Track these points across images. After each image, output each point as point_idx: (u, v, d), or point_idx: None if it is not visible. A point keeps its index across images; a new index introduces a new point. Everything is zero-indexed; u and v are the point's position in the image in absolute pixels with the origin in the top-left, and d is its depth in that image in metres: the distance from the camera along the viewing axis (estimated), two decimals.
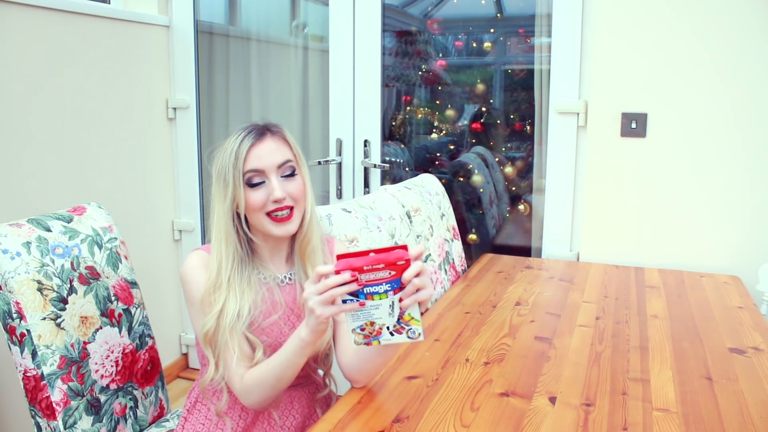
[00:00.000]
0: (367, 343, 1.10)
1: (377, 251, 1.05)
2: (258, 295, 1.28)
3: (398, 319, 1.07)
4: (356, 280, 1.05)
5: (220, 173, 1.25)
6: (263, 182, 1.24)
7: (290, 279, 1.33)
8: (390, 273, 1.04)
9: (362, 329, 1.09)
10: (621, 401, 1.22)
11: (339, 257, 1.05)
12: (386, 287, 1.05)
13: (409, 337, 1.09)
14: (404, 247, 1.05)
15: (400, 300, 1.06)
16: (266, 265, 1.32)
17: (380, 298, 1.06)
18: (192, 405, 1.37)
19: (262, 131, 1.27)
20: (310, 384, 1.39)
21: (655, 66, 2.11)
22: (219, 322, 1.22)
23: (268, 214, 1.24)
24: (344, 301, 1.07)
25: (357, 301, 1.06)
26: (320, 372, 1.41)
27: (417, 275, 1.05)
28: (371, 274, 1.04)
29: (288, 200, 1.24)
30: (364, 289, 1.05)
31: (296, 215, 1.27)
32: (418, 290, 1.06)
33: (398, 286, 1.05)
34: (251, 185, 1.24)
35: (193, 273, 1.27)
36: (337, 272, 1.04)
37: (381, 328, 1.09)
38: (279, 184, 1.24)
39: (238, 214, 1.26)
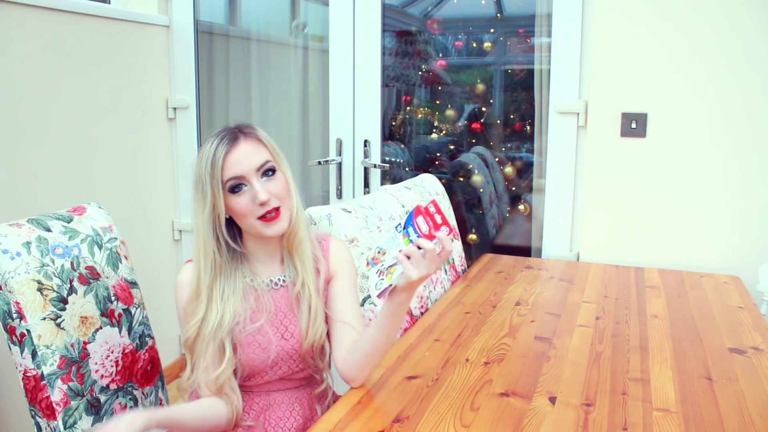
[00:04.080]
0: (367, 263, 1.18)
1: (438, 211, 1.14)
2: (246, 301, 1.28)
3: (390, 266, 1.14)
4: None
5: (198, 184, 1.24)
6: (245, 187, 1.23)
7: (284, 281, 1.33)
8: (429, 226, 1.11)
9: (379, 252, 1.17)
10: (621, 401, 1.22)
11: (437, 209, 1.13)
12: (399, 226, 1.14)
13: (376, 286, 1.15)
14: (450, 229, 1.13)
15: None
16: (256, 269, 1.32)
17: (403, 239, 1.14)
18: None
19: (234, 135, 1.24)
20: (313, 384, 1.39)
21: (655, 66, 2.11)
22: (200, 330, 1.24)
23: (259, 218, 1.24)
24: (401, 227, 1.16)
25: (404, 227, 1.15)
26: (319, 367, 1.40)
27: (424, 253, 1.09)
28: (429, 219, 1.12)
29: (273, 200, 1.24)
30: (417, 224, 1.13)
31: (284, 213, 1.26)
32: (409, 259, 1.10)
33: (417, 236, 1.11)
34: (233, 192, 1.23)
35: (182, 288, 1.30)
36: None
37: (379, 262, 1.16)
38: (261, 186, 1.23)
39: (221, 222, 1.25)
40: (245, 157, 1.23)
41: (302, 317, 1.30)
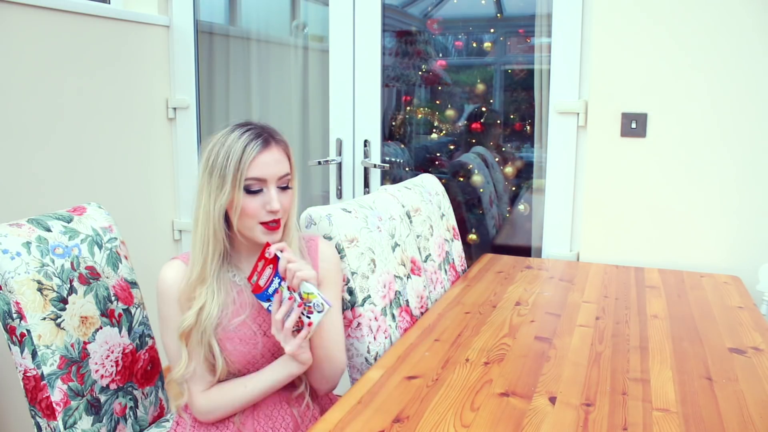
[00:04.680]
0: (306, 335, 1.22)
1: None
2: (228, 296, 1.29)
3: (300, 299, 1.19)
4: (291, 299, 1.21)
5: (217, 169, 1.23)
6: (261, 190, 1.24)
7: None
8: (271, 267, 1.19)
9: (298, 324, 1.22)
10: (621, 401, 1.22)
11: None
12: (278, 280, 1.20)
13: (318, 311, 1.20)
14: (267, 244, 1.22)
15: (289, 288, 1.20)
16: (241, 266, 1.32)
17: (282, 290, 1.20)
18: (186, 407, 1.37)
19: (267, 138, 1.26)
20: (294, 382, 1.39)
21: (655, 66, 2.11)
22: (198, 319, 1.24)
23: (261, 222, 1.25)
24: (268, 309, 1.24)
25: (269, 304, 1.23)
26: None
27: (289, 262, 1.19)
28: (263, 277, 1.20)
29: (281, 212, 1.26)
30: (268, 291, 1.19)
31: (282, 224, 1.29)
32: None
33: (278, 276, 1.20)
34: (249, 192, 1.24)
35: (169, 285, 1.28)
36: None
37: (299, 316, 1.22)
38: (276, 195, 1.25)
39: (226, 213, 1.26)
40: (274, 164, 1.25)
41: None
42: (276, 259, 1.20)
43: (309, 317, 1.20)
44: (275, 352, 1.31)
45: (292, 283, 1.19)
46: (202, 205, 1.25)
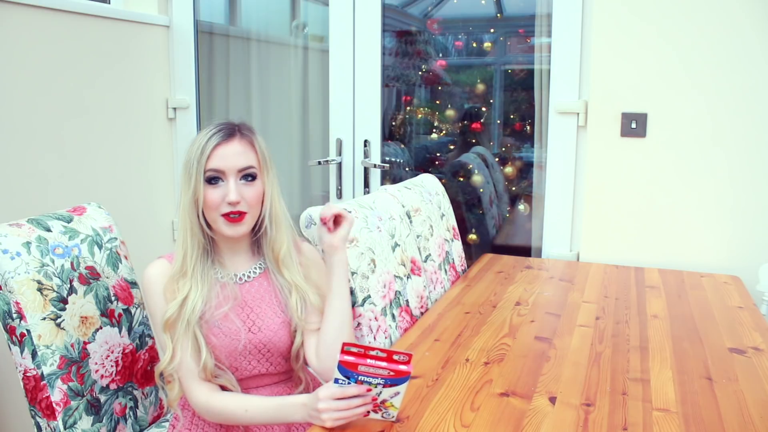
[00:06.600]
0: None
1: (384, 357, 1.05)
2: (212, 291, 1.29)
3: (380, 401, 1.10)
4: (369, 390, 1.07)
5: (186, 165, 1.27)
6: (222, 182, 1.26)
7: (249, 276, 1.34)
8: (389, 373, 1.05)
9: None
10: (621, 401, 1.22)
11: (345, 360, 1.05)
12: (379, 380, 1.06)
13: (382, 416, 1.12)
14: (409, 358, 1.06)
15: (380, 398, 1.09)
16: (224, 262, 1.33)
17: (373, 386, 1.08)
18: (184, 404, 1.37)
19: (231, 131, 1.28)
20: (293, 381, 1.39)
21: (655, 66, 2.11)
22: (181, 311, 1.25)
23: (223, 214, 1.26)
24: (336, 380, 1.08)
25: (348, 383, 1.08)
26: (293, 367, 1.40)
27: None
28: (372, 369, 1.06)
29: (242, 204, 1.26)
30: (359, 377, 1.07)
31: (248, 218, 1.28)
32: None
33: (390, 382, 1.06)
34: (209, 183, 1.26)
35: (154, 280, 1.29)
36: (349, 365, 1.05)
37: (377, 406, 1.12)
38: (236, 187, 1.25)
39: (199, 207, 1.28)
40: (232, 155, 1.26)
41: (294, 315, 1.31)
42: (405, 373, 1.06)
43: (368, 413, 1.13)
44: (261, 349, 1.31)
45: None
46: (181, 201, 1.28)
